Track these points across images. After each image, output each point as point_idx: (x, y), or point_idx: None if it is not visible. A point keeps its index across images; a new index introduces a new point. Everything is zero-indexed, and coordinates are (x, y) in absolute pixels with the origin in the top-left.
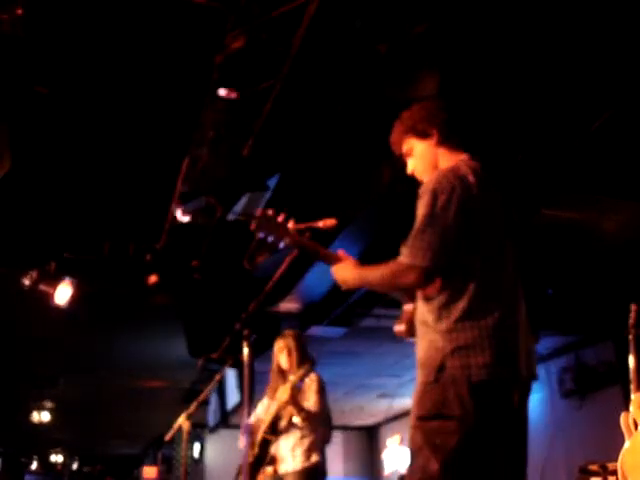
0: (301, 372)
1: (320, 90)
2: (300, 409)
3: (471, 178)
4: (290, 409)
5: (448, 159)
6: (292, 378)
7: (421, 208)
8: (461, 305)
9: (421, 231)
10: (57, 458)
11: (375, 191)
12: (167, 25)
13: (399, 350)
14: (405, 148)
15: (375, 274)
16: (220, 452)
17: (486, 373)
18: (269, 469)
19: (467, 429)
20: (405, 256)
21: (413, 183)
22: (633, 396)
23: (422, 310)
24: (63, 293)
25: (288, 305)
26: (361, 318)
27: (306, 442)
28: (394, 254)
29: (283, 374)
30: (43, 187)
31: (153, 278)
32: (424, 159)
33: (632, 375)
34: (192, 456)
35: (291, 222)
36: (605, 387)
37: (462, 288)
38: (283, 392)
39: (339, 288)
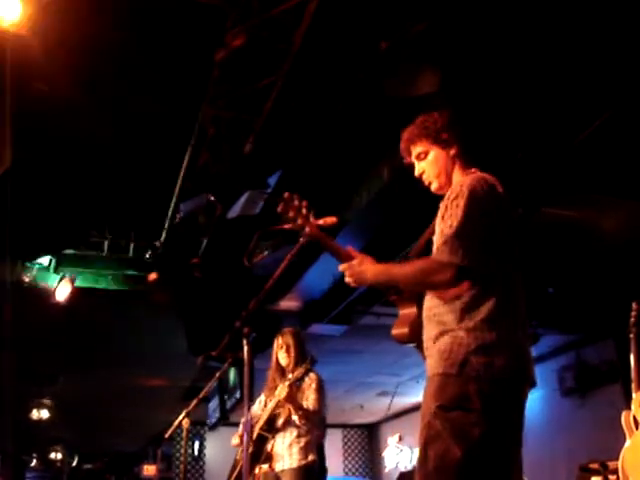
0: (300, 370)
1: (321, 88)
2: (298, 407)
3: (499, 188)
4: (288, 407)
5: (463, 171)
6: (291, 376)
7: (457, 209)
8: (486, 307)
9: (460, 231)
10: (57, 455)
11: (375, 189)
12: (168, 23)
13: (399, 349)
14: (418, 151)
15: (404, 270)
16: (220, 450)
17: (506, 372)
18: (265, 466)
19: (488, 424)
20: (442, 254)
21: (412, 182)
22: (634, 395)
23: (439, 310)
24: (63, 290)
25: (288, 303)
26: (361, 316)
27: (303, 441)
28: (394, 252)
29: (282, 371)
30: (43, 184)
31: (153, 275)
32: (439, 166)
33: (633, 374)
34: (192, 454)
35: (312, 212)
36: (606, 385)
37: (488, 291)
38: (281, 390)
39: (347, 284)
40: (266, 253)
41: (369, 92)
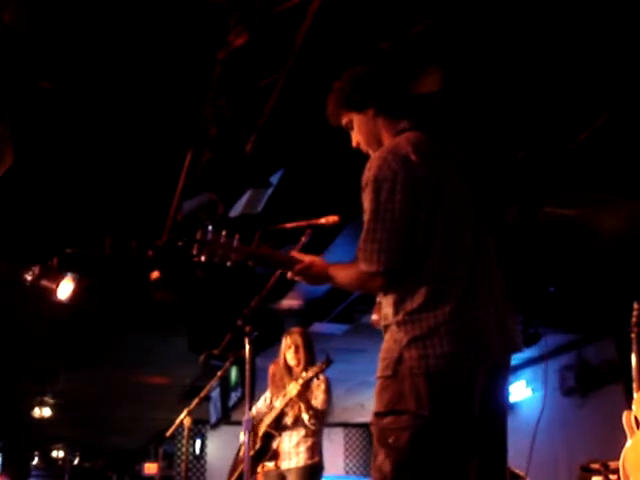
0: (315, 369)
1: (323, 87)
2: (309, 407)
3: (413, 157)
4: (297, 405)
5: (390, 129)
6: (305, 375)
7: (366, 202)
8: (417, 295)
9: (371, 230)
10: (58, 453)
11: None
12: (170, 21)
13: None
14: (344, 121)
15: (343, 278)
16: (221, 448)
17: (444, 363)
18: (270, 464)
19: (421, 424)
20: (362, 261)
21: None
22: (635, 395)
23: (382, 302)
24: (65, 289)
25: (290, 302)
26: (363, 315)
27: (310, 441)
28: None
29: (290, 371)
30: (45, 183)
31: (155, 274)
32: (365, 132)
33: (634, 373)
34: (193, 452)
35: (236, 237)
36: (607, 385)
37: (418, 278)
38: (293, 388)
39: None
40: None
41: None
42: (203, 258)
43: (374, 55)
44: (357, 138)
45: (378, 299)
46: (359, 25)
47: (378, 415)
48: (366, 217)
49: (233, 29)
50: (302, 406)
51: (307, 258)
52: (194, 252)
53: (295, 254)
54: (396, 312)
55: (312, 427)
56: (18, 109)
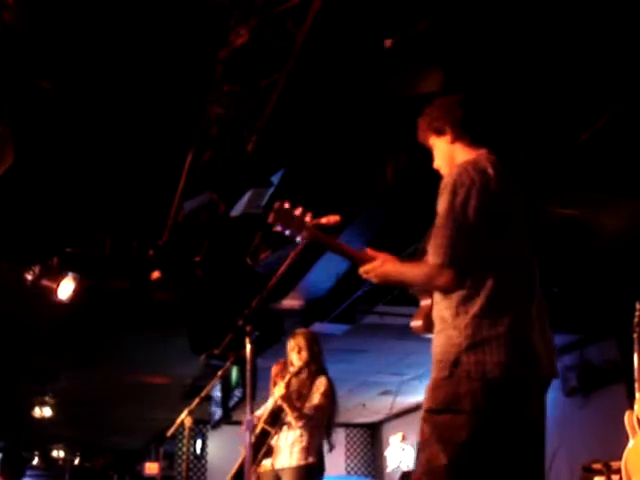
0: (297, 368)
1: (324, 86)
2: (293, 408)
3: (490, 171)
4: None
5: (464, 156)
6: (291, 369)
7: (441, 203)
8: (479, 301)
9: (442, 227)
10: (59, 453)
11: (378, 188)
12: (171, 21)
13: (402, 348)
14: (429, 144)
15: (412, 274)
16: (222, 448)
17: (501, 371)
18: (267, 464)
19: (477, 425)
20: (432, 256)
21: (417, 181)
22: (638, 395)
23: (440, 306)
24: (66, 288)
25: (291, 302)
26: (364, 315)
27: (305, 441)
28: (396, 251)
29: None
30: (46, 182)
31: (155, 274)
32: (443, 157)
33: (636, 374)
34: (194, 452)
35: (308, 216)
36: (609, 385)
37: (481, 284)
38: (278, 389)
39: (350, 283)
40: (269, 252)
41: (372, 91)
42: (276, 228)
43: (374, 55)
44: (437, 160)
45: (422, 302)
46: (360, 25)
47: (433, 412)
48: (438, 218)
49: (234, 29)
50: (286, 407)
51: (381, 255)
52: (269, 221)
53: (369, 251)
54: (457, 314)
55: (299, 429)
56: (18, 109)
